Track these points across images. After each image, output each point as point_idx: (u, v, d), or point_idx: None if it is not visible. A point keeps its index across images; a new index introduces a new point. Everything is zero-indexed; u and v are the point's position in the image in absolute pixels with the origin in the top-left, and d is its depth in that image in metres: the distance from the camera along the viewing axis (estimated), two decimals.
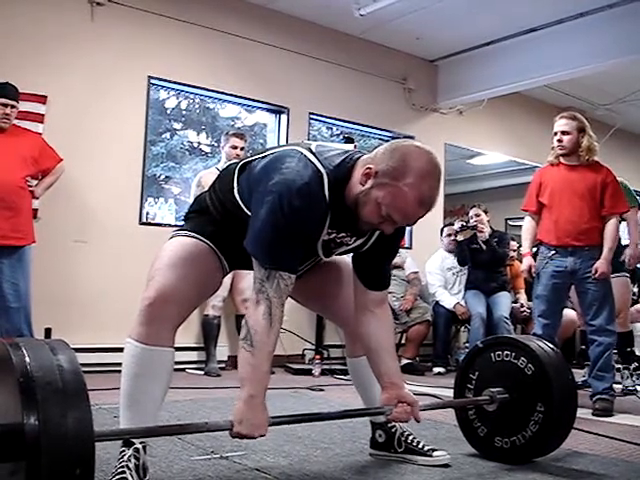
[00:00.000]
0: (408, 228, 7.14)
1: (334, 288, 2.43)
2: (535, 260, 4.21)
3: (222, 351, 5.43)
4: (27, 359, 1.47)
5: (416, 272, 6.35)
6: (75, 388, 1.50)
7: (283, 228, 1.93)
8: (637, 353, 5.97)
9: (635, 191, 9.72)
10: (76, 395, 1.49)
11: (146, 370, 2.05)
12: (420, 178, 1.93)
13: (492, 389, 2.53)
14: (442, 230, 6.63)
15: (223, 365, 5.42)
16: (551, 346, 2.62)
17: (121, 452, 2.02)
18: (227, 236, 2.18)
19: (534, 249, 4.41)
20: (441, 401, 2.40)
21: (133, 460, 1.99)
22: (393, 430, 2.50)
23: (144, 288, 2.10)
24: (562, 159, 4.07)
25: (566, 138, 4.00)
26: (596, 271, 3.89)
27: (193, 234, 2.20)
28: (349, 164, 2.05)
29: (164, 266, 2.09)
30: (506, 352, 2.59)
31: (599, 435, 3.19)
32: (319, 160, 2.02)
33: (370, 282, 2.28)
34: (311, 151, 2.05)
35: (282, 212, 1.92)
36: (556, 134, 4.04)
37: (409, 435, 2.51)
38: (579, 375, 5.28)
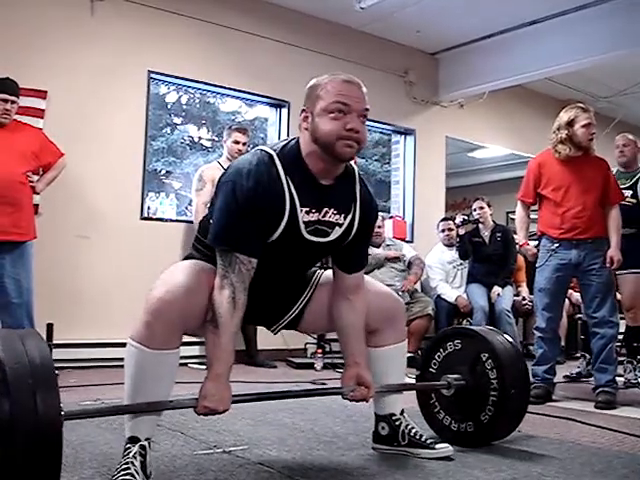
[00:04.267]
0: (409, 222, 7.18)
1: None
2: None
3: None
4: None
5: (417, 255, 6.30)
6: (44, 373, 1.65)
7: (237, 211, 2.00)
8: None
9: None
10: (45, 379, 1.64)
11: (150, 374, 2.02)
12: (332, 74, 2.12)
13: (450, 375, 2.66)
14: (438, 225, 6.62)
15: None
16: (507, 338, 2.76)
17: (126, 449, 2.01)
18: None
19: (534, 242, 4.40)
20: (401, 384, 2.51)
21: (139, 457, 1.98)
22: (397, 423, 2.50)
23: (149, 290, 2.05)
24: (571, 153, 4.01)
25: (595, 131, 4.02)
26: (611, 260, 3.89)
27: (197, 261, 2.18)
28: (296, 138, 2.17)
29: (173, 272, 2.07)
30: (465, 342, 2.73)
31: (602, 428, 3.18)
32: (270, 147, 2.13)
33: (348, 266, 2.33)
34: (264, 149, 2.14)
35: (234, 196, 2.00)
36: (588, 126, 3.97)
37: (412, 428, 2.51)
38: (575, 367, 5.30)
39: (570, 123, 4.02)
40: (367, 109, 2.10)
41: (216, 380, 2.00)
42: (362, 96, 2.10)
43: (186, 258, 2.28)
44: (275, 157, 2.08)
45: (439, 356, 2.79)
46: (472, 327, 2.83)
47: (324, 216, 2.15)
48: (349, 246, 2.27)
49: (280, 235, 2.08)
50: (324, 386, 2.47)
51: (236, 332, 2.05)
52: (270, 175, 2.04)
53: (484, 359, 2.62)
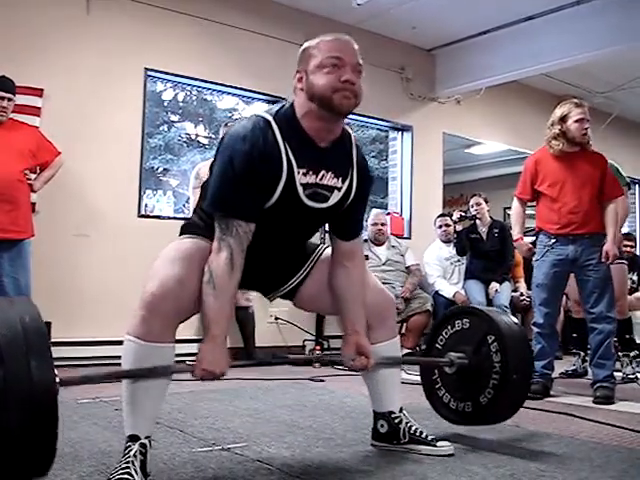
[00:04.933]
0: (407, 218, 7.18)
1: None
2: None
3: None
4: None
5: (417, 264, 6.35)
6: (37, 340, 1.63)
7: (233, 176, 2.02)
8: (637, 341, 6.00)
9: (631, 178, 9.79)
10: (38, 346, 1.63)
11: (145, 366, 2.02)
12: (323, 36, 2.16)
13: (454, 353, 2.65)
14: (435, 221, 6.63)
15: None
16: (513, 319, 2.75)
17: (127, 447, 2.01)
18: None
19: (530, 238, 4.41)
20: (403, 358, 2.54)
21: (139, 456, 1.98)
22: (397, 421, 2.50)
23: (143, 285, 2.06)
24: (566, 148, 4.02)
25: (588, 126, 4.02)
26: (607, 254, 3.89)
27: (192, 235, 2.19)
28: (290, 102, 2.18)
29: (163, 264, 2.07)
30: (474, 321, 2.71)
31: (600, 423, 3.19)
32: (265, 112, 2.14)
33: (344, 233, 2.35)
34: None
35: (231, 162, 2.02)
36: (581, 121, 3.99)
37: (412, 425, 2.51)
38: (570, 363, 5.30)
39: (563, 118, 4.04)
40: (360, 64, 2.13)
41: (213, 342, 2.00)
42: (354, 51, 2.14)
43: (185, 226, 2.28)
44: (271, 120, 2.09)
45: (446, 333, 2.77)
46: (482, 308, 2.80)
47: (322, 179, 2.16)
48: (345, 213, 2.29)
49: (278, 199, 2.09)
50: (326, 354, 2.44)
51: (234, 295, 2.06)
52: (266, 138, 2.05)
53: (490, 341, 2.59)
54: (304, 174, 2.11)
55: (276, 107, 2.17)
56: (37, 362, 1.59)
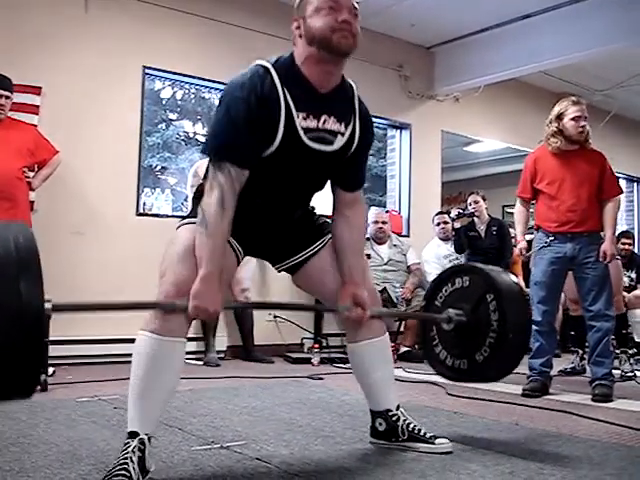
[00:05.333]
0: (405, 216, 7.17)
1: (330, 279, 2.42)
2: (530, 246, 4.24)
3: (221, 341, 5.43)
4: None
5: (417, 263, 6.34)
6: (29, 260, 1.68)
7: (230, 122, 2.06)
8: (636, 339, 6.02)
9: (630, 176, 9.78)
10: (30, 266, 1.67)
11: (159, 361, 2.05)
12: None
13: (452, 310, 2.65)
14: (433, 219, 6.62)
15: (222, 355, 5.42)
16: (513, 279, 2.73)
17: (125, 444, 2.01)
18: (234, 218, 2.15)
19: (530, 236, 4.41)
20: (401, 312, 2.54)
21: (137, 452, 1.98)
22: (394, 419, 2.49)
23: (157, 282, 2.10)
24: (564, 146, 4.03)
25: (586, 124, 4.01)
26: (604, 254, 3.89)
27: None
28: (289, 52, 2.21)
29: (176, 260, 2.08)
30: (474, 279, 2.70)
31: (599, 421, 3.19)
32: (264, 60, 2.17)
33: (347, 183, 2.40)
34: None
35: (228, 109, 2.07)
36: (577, 119, 3.99)
37: (410, 423, 2.50)
38: (568, 361, 5.31)
39: (560, 116, 4.05)
40: (356, 7, 2.18)
41: (206, 280, 2.02)
42: None
43: (188, 215, 2.26)
44: (270, 68, 2.12)
45: (446, 290, 2.77)
46: (483, 266, 2.78)
47: (324, 124, 2.19)
48: (349, 162, 2.33)
49: (281, 144, 2.11)
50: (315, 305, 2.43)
51: (226, 235, 2.08)
52: (264, 84, 2.08)
53: (489, 299, 2.58)
54: (304, 118, 2.14)
55: (275, 57, 2.20)
56: (27, 281, 1.63)
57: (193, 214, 2.17)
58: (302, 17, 2.15)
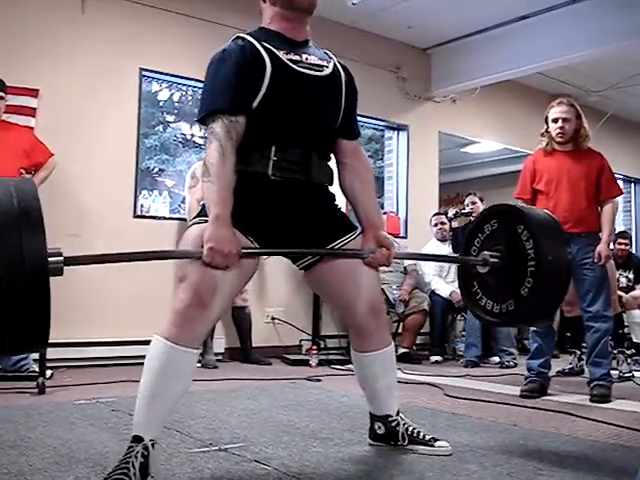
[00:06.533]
0: (403, 218, 7.16)
1: (351, 289, 2.36)
2: None
3: (219, 343, 5.42)
4: None
5: (414, 264, 6.34)
6: (31, 220, 1.74)
7: (216, 78, 2.17)
8: (634, 340, 6.02)
9: (627, 177, 9.79)
10: (31, 226, 1.73)
11: (171, 369, 2.04)
12: None
13: (487, 253, 2.57)
14: (431, 219, 6.63)
15: (220, 357, 5.41)
16: (553, 217, 2.66)
17: (129, 448, 2.01)
18: (244, 209, 2.14)
19: None
20: (429, 255, 2.48)
21: (140, 458, 1.98)
22: (394, 424, 2.49)
23: (176, 287, 2.10)
24: (557, 146, 4.07)
25: (567, 125, 4.01)
26: (599, 256, 3.90)
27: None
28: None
29: (193, 265, 2.05)
30: (501, 219, 2.64)
31: (597, 421, 3.19)
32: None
33: (346, 130, 2.43)
34: None
35: (213, 70, 2.19)
36: (556, 121, 4.02)
37: (409, 427, 2.50)
38: (566, 362, 5.32)
39: (546, 118, 4.09)
40: None
41: (216, 223, 2.02)
42: None
43: (199, 214, 2.22)
44: (245, 35, 2.24)
45: (478, 242, 2.68)
46: (507, 204, 2.74)
47: (307, 60, 2.28)
48: (343, 109, 2.38)
49: (272, 79, 2.17)
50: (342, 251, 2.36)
51: (230, 181, 2.09)
52: (244, 44, 2.19)
53: (520, 231, 2.51)
54: (286, 53, 2.23)
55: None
56: (30, 239, 1.69)
57: (205, 214, 2.14)
58: None
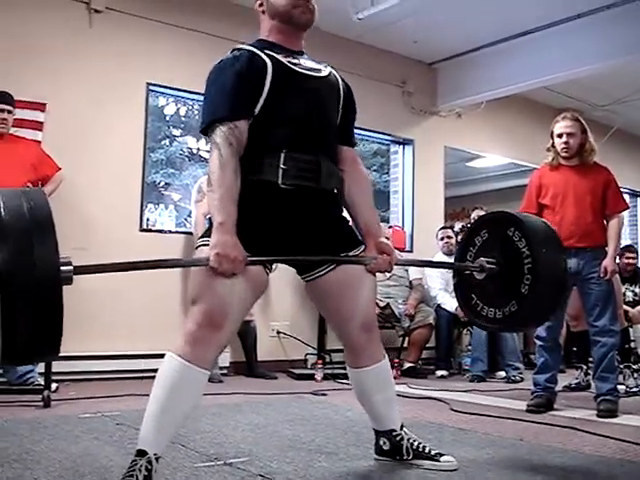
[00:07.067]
0: (408, 232, 7.16)
1: (349, 305, 2.36)
2: None
3: (224, 357, 5.41)
4: (1, 207, 1.69)
5: (419, 278, 6.34)
6: (43, 229, 1.70)
7: (216, 86, 2.21)
8: None
9: (633, 190, 9.78)
10: (43, 235, 1.69)
11: (182, 387, 2.06)
12: None
13: (484, 259, 2.61)
14: (437, 233, 6.62)
15: (225, 371, 5.40)
16: (552, 229, 2.69)
17: (133, 461, 2.01)
18: (253, 223, 2.15)
19: None
20: (426, 261, 2.50)
21: (144, 471, 1.98)
22: (398, 439, 2.48)
23: (189, 309, 2.11)
24: (563, 161, 4.07)
25: (572, 140, 4.01)
26: (605, 270, 3.88)
27: None
28: None
29: (207, 285, 2.06)
30: (491, 228, 2.69)
31: (604, 436, 3.17)
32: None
33: (343, 137, 2.51)
34: None
35: (213, 80, 2.23)
36: (561, 136, 4.03)
37: (414, 441, 2.49)
38: (573, 377, 5.29)
39: (552, 132, 4.09)
40: None
41: (220, 229, 2.04)
42: None
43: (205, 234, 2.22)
44: (243, 46, 2.29)
45: (470, 255, 2.71)
46: (491, 211, 2.77)
47: (305, 63, 2.35)
48: (341, 115, 2.46)
49: (273, 81, 2.20)
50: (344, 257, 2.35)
51: (232, 187, 2.09)
52: (242, 53, 2.23)
53: (511, 234, 2.56)
54: (285, 57, 2.29)
55: None
56: (41, 248, 1.66)
57: (209, 232, 2.13)
58: None
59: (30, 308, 1.60)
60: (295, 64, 2.30)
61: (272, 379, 5.36)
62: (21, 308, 1.60)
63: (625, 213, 4.40)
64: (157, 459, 2.03)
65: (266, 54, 2.24)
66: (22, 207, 1.71)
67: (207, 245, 2.08)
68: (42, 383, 3.85)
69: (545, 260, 2.49)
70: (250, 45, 2.29)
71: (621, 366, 4.87)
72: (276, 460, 2.56)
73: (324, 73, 2.40)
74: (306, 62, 2.36)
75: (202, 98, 2.33)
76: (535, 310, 2.58)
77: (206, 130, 2.19)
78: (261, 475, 2.33)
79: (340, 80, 2.47)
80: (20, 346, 1.65)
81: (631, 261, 6.53)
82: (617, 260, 4.66)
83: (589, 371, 4.92)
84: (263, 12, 2.37)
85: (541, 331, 4.03)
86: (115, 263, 2.10)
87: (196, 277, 2.12)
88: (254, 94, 2.19)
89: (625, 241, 8.67)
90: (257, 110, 2.20)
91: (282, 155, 2.20)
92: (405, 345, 6.13)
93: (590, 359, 4.64)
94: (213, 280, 2.05)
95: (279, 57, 2.26)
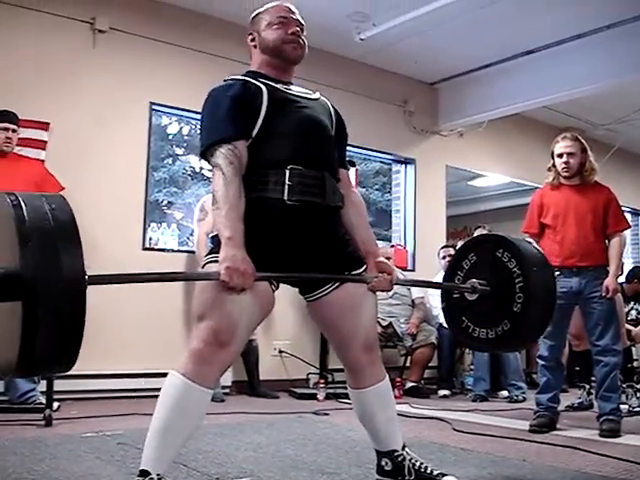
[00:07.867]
0: (410, 251, 7.16)
1: (350, 326, 2.36)
2: None
3: (226, 376, 5.40)
4: (24, 210, 1.63)
5: (422, 297, 6.33)
6: (67, 235, 1.65)
7: (213, 111, 2.27)
8: None
9: (634, 209, 9.78)
10: (68, 241, 1.65)
11: (185, 407, 2.06)
12: (268, 4, 2.48)
13: (475, 280, 2.63)
14: (439, 252, 6.62)
15: (227, 390, 5.39)
16: (538, 249, 2.78)
17: None
18: (258, 243, 2.14)
19: None
20: (426, 281, 2.50)
21: None
22: (400, 459, 2.46)
23: (195, 326, 2.10)
24: (563, 180, 4.08)
25: (572, 160, 4.03)
26: (607, 289, 3.88)
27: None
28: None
29: (212, 303, 2.06)
30: (478, 252, 2.72)
31: (607, 456, 3.15)
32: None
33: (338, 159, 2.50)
34: None
35: (209, 106, 2.30)
36: (561, 156, 4.05)
37: (417, 461, 2.48)
38: (575, 396, 5.27)
39: (552, 153, 4.11)
40: (302, 24, 2.46)
41: (229, 245, 2.04)
42: (297, 13, 2.47)
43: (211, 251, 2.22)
44: (234, 76, 2.36)
45: (459, 279, 2.73)
46: (477, 235, 2.80)
47: (294, 90, 2.42)
48: (335, 137, 2.47)
49: (269, 104, 2.26)
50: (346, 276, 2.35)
51: (237, 205, 2.10)
52: (236, 82, 2.31)
53: (500, 255, 2.59)
54: (277, 82, 2.36)
55: None
56: (67, 257, 1.63)
57: (216, 250, 2.14)
58: (256, 30, 2.44)
59: (53, 316, 1.57)
60: (287, 88, 2.39)
61: (274, 398, 5.35)
62: (43, 316, 1.56)
63: (627, 232, 4.40)
64: (160, 479, 2.03)
65: (259, 81, 2.31)
66: (43, 208, 1.66)
67: (216, 261, 2.08)
68: (44, 402, 3.85)
69: (536, 278, 2.54)
70: (242, 75, 2.36)
71: (624, 385, 4.85)
72: None
73: (315, 96, 2.49)
74: (296, 89, 2.44)
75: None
76: (528, 327, 2.62)
77: (205, 154, 2.21)
78: None
79: (330, 104, 2.54)
80: (38, 357, 1.60)
81: (636, 281, 6.49)
82: (625, 282, 4.66)
83: (592, 391, 4.91)
84: (255, 46, 2.45)
85: (543, 351, 4.02)
86: (128, 274, 2.13)
87: (203, 293, 2.11)
88: (251, 116, 2.23)
89: (627, 260, 8.67)
90: (255, 132, 2.23)
91: (287, 171, 2.20)
92: (407, 364, 6.12)
93: (593, 378, 4.63)
94: (221, 296, 2.04)
95: (272, 83, 2.34)
